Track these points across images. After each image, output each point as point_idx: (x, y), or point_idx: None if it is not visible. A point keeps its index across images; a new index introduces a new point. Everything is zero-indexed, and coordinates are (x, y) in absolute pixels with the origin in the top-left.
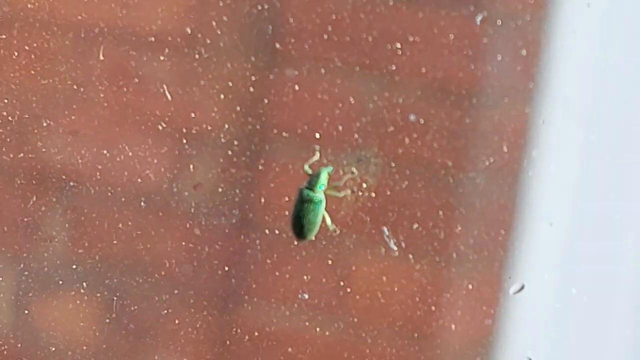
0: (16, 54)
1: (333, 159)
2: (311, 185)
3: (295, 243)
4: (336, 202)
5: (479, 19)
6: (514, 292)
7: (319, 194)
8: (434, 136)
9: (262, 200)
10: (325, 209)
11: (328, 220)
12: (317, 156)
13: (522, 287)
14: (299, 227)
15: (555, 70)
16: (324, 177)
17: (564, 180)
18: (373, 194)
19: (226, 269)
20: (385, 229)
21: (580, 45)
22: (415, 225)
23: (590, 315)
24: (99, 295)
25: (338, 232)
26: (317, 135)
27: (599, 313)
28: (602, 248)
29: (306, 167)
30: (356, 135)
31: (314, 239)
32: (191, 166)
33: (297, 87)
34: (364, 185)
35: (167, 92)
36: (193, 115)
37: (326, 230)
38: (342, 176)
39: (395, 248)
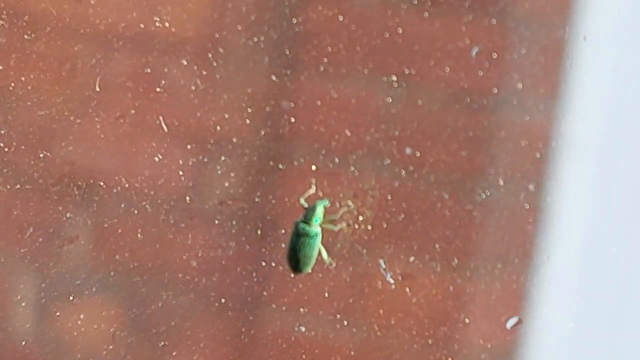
0: (12, 85)
1: (330, 191)
2: (307, 219)
3: (292, 276)
4: (332, 234)
5: (474, 51)
6: (511, 326)
7: (315, 228)
8: (430, 169)
9: (259, 232)
10: (322, 242)
11: (324, 254)
12: (313, 189)
13: (520, 321)
14: (295, 261)
15: (552, 103)
16: (319, 211)
17: (561, 213)
18: (369, 227)
19: (223, 301)
20: (381, 261)
21: (577, 79)
22: (412, 258)
23: (588, 350)
24: (95, 327)
25: (334, 265)
26: (314, 168)
27: (598, 348)
28: (601, 282)
29: (302, 200)
30: (352, 168)
31: (310, 272)
32: (187, 198)
33: (293, 120)
34: (361, 218)
35: (163, 124)
36: (189, 147)
37: (322, 263)
38: (338, 209)
39: (392, 281)
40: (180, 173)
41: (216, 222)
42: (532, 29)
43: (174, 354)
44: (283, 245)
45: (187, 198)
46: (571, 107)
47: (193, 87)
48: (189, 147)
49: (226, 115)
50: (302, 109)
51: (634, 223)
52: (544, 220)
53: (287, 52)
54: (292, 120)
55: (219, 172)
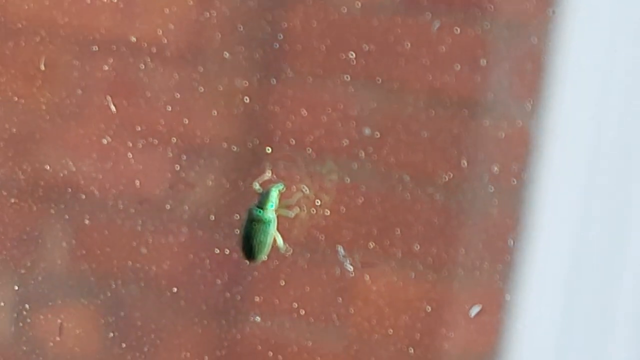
0: None
1: (285, 174)
2: (261, 204)
3: (247, 263)
4: (289, 220)
5: (436, 26)
6: (474, 315)
7: (269, 213)
8: (390, 150)
9: (212, 217)
10: (277, 228)
11: (279, 241)
12: (268, 174)
13: (483, 310)
14: (249, 247)
15: (516, 80)
16: (274, 196)
17: (526, 196)
18: (327, 212)
19: (174, 290)
20: (340, 248)
21: (543, 54)
22: (372, 244)
23: (555, 339)
24: (42, 317)
25: (291, 251)
26: (269, 150)
27: (559, 334)
28: (565, 266)
29: (256, 185)
30: (309, 150)
31: (265, 259)
32: (137, 182)
33: (247, 99)
34: (318, 202)
35: (111, 104)
36: (139, 128)
37: (278, 250)
38: (294, 194)
39: (351, 268)
40: (130, 156)
41: (167, 207)
42: (495, 1)
43: (123, 345)
44: (237, 232)
45: (137, 182)
46: (537, 83)
47: (142, 66)
48: (138, 128)
49: (177, 95)
50: (257, 87)
51: (602, 202)
52: (508, 203)
53: (241, 28)
54: (246, 99)
55: (170, 155)
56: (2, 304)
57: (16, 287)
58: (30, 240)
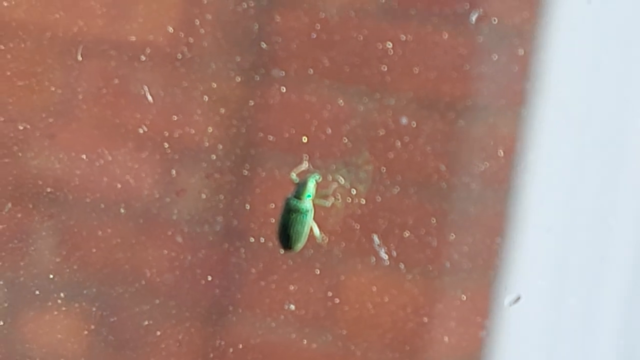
0: None
1: (321, 164)
2: (298, 195)
3: (282, 252)
4: (325, 209)
5: (473, 16)
6: (509, 303)
7: (307, 204)
8: (426, 140)
9: (247, 206)
10: (313, 217)
11: (316, 230)
12: (305, 165)
13: (518, 298)
14: (286, 237)
15: (553, 70)
16: (311, 186)
17: (561, 185)
18: (363, 201)
19: (209, 278)
20: (375, 237)
21: (580, 44)
22: (407, 233)
23: (586, 325)
24: (77, 305)
25: (326, 241)
26: (305, 139)
27: (595, 323)
28: (599, 255)
29: (293, 175)
30: (345, 139)
31: (301, 248)
32: (173, 171)
33: (283, 89)
34: (354, 191)
35: (148, 94)
36: (175, 118)
37: (313, 239)
38: (330, 183)
39: (385, 257)
40: (166, 145)
41: (203, 196)
42: None
43: (157, 333)
44: (273, 220)
45: (173, 171)
46: (573, 73)
47: (179, 56)
48: (174, 118)
49: (214, 85)
50: (293, 77)
51: (632, 193)
52: (543, 192)
53: (278, 18)
54: (283, 89)
55: (206, 144)
56: (37, 292)
57: (51, 277)
58: (66, 229)
